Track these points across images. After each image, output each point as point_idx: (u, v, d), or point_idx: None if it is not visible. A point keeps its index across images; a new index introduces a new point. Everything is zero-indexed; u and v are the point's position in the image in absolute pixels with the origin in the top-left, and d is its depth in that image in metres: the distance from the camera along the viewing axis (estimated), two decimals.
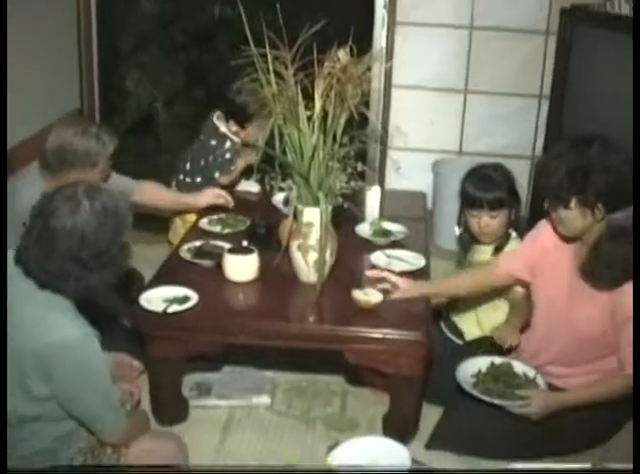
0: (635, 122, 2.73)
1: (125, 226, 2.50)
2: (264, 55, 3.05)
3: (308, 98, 3.09)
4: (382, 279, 3.26)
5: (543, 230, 3.13)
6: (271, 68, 3.05)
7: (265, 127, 3.39)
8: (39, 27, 5.03)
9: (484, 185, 3.48)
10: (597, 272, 2.83)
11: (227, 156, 4.46)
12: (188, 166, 4.57)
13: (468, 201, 3.53)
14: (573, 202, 2.78)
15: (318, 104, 3.07)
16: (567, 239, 2.98)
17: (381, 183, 5.52)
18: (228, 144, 4.46)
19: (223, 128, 4.45)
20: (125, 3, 6.56)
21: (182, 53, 6.93)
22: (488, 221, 3.49)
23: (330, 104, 3.06)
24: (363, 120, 3.21)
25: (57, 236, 2.37)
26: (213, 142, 4.48)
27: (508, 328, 3.35)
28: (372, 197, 4.09)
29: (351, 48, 3.06)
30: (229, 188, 4.43)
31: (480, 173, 3.54)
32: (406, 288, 3.23)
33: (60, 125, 3.48)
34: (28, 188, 3.27)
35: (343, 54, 3.03)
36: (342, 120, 3.11)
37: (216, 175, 4.48)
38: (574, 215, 2.81)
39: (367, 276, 3.32)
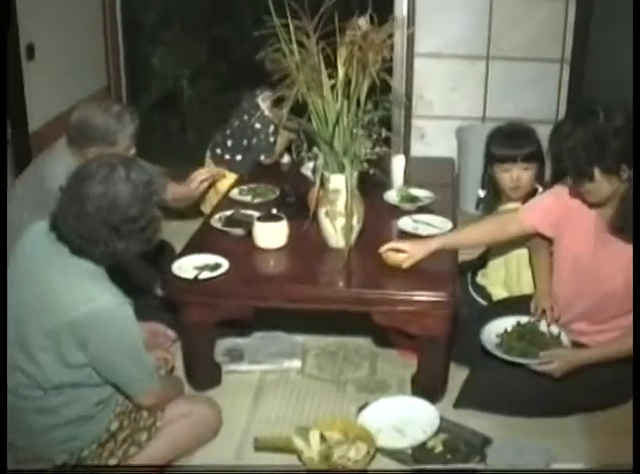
0: (635, 119, 2.77)
1: (157, 200, 2.55)
2: (286, 26, 3.10)
3: (331, 66, 3.14)
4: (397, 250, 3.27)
5: (559, 188, 3.16)
6: (293, 38, 3.10)
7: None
8: (66, 6, 5.10)
9: (515, 139, 3.54)
10: (628, 224, 2.87)
11: (271, 140, 4.53)
12: (229, 143, 4.66)
13: (498, 158, 3.55)
14: (597, 173, 2.81)
15: (341, 71, 3.11)
16: (594, 205, 3.01)
17: (406, 150, 5.56)
18: (272, 128, 4.53)
19: (267, 112, 4.53)
20: None
21: (205, 29, 6.99)
22: (520, 174, 3.51)
23: (352, 71, 3.10)
24: (387, 88, 3.25)
25: (89, 199, 2.43)
26: (258, 125, 4.55)
27: (539, 295, 3.34)
28: (397, 165, 4.14)
29: (371, 16, 3.10)
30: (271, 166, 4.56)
31: (507, 130, 3.59)
32: (414, 251, 3.22)
33: (86, 102, 3.56)
34: (57, 161, 3.35)
35: (363, 22, 3.07)
36: (364, 87, 3.15)
37: (262, 157, 4.55)
38: (600, 184, 2.84)
39: (381, 252, 3.30)
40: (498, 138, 3.58)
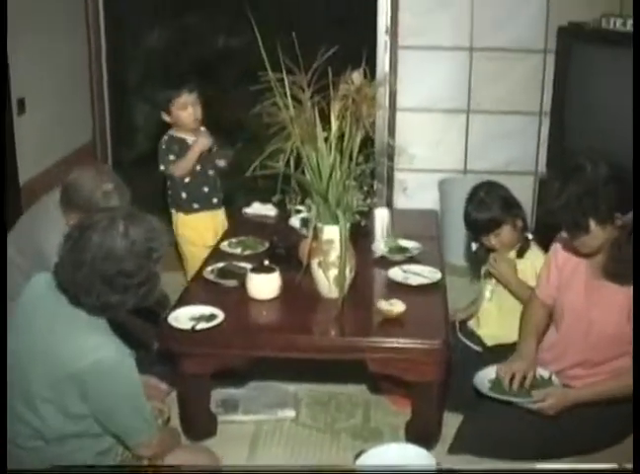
0: (635, 127, 2.87)
1: (157, 257, 2.56)
2: (280, 80, 3.19)
3: (324, 119, 3.23)
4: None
5: (554, 251, 3.30)
6: (288, 92, 3.19)
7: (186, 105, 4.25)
8: (55, 62, 5.18)
9: (476, 212, 3.65)
10: (620, 269, 2.95)
11: (163, 147, 4.45)
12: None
13: (471, 229, 3.74)
14: (592, 225, 2.91)
15: (334, 124, 3.20)
16: (587, 255, 3.10)
17: (389, 202, 5.64)
18: (165, 136, 4.47)
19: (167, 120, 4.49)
20: (133, 39, 6.70)
21: (188, 84, 7.07)
22: (495, 240, 3.63)
23: (346, 124, 3.19)
24: (371, 142, 3.34)
25: (87, 248, 2.45)
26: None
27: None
28: (380, 217, 4.22)
29: (364, 71, 3.20)
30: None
31: (472, 201, 3.69)
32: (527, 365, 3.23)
33: (86, 168, 3.61)
34: (51, 227, 3.35)
35: (357, 76, 3.16)
36: (357, 140, 3.24)
37: (161, 168, 4.45)
38: (595, 234, 2.94)
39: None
40: (466, 211, 3.71)
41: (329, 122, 3.22)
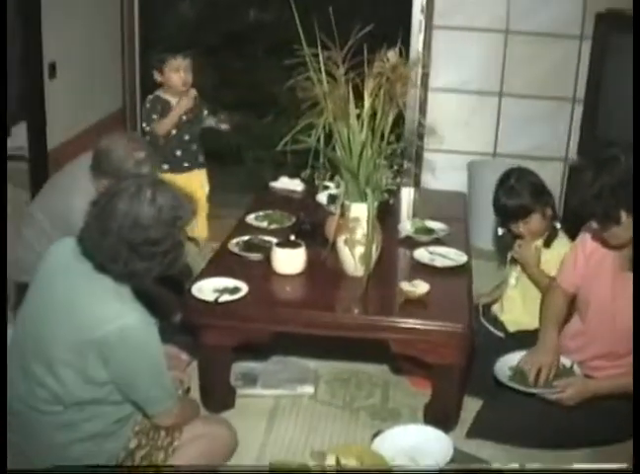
0: (635, 122, 2.86)
1: (181, 225, 2.57)
2: (315, 55, 3.17)
3: (358, 97, 3.21)
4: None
5: (582, 240, 3.26)
6: (322, 68, 3.17)
7: (179, 68, 4.47)
8: (88, 27, 5.18)
9: (506, 198, 3.61)
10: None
11: (147, 106, 4.64)
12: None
13: (500, 215, 3.71)
14: (624, 216, 2.89)
15: (367, 102, 3.19)
16: (615, 247, 3.09)
17: (417, 182, 5.62)
18: (151, 96, 4.67)
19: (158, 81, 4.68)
20: (165, 7, 6.70)
21: (216, 57, 7.10)
22: (523, 228, 3.61)
23: (379, 102, 3.18)
24: (403, 121, 3.33)
25: (113, 215, 2.46)
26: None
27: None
28: (407, 196, 4.21)
29: (400, 49, 3.18)
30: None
31: (502, 187, 3.65)
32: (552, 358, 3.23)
33: (119, 134, 3.65)
34: (82, 193, 3.33)
35: (392, 55, 3.14)
36: (390, 118, 3.22)
37: (143, 125, 4.64)
38: (626, 226, 2.92)
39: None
40: (495, 197, 3.67)
41: (362, 100, 3.21)
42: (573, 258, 3.34)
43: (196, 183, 4.67)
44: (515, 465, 2.83)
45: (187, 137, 4.71)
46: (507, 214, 3.64)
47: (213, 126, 4.83)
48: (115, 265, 2.50)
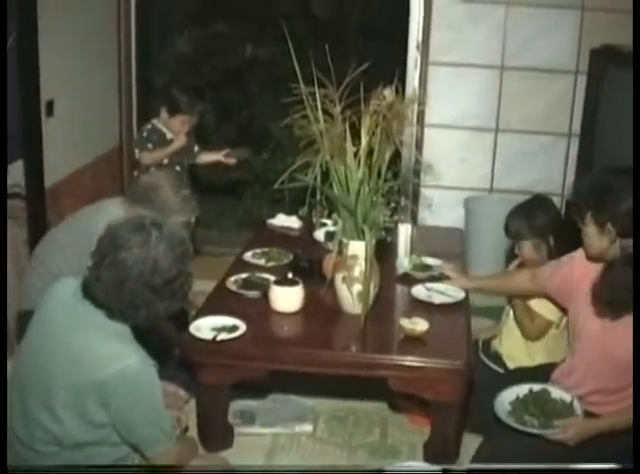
0: (635, 123, 2.92)
1: (191, 254, 2.61)
2: (311, 93, 3.22)
3: (355, 134, 3.26)
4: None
5: (579, 255, 3.26)
6: (319, 106, 3.22)
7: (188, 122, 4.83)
8: (86, 66, 5.23)
9: (510, 214, 3.72)
10: (611, 295, 2.96)
11: (144, 134, 4.93)
12: None
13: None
14: (587, 218, 2.97)
15: (364, 140, 3.23)
16: (592, 260, 3.12)
17: (414, 219, 5.65)
18: (149, 125, 4.97)
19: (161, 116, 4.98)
20: (162, 45, 6.77)
21: (212, 92, 7.16)
22: (517, 250, 3.67)
23: (375, 140, 3.22)
24: (399, 158, 3.37)
25: (131, 265, 2.47)
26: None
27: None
28: (405, 234, 4.23)
29: (396, 87, 3.22)
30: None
31: (519, 204, 3.73)
32: (457, 279, 3.73)
33: (164, 172, 4.07)
34: (109, 212, 3.48)
35: (389, 92, 3.19)
36: (386, 156, 3.26)
37: (136, 151, 4.92)
38: (590, 232, 2.99)
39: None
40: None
41: (359, 138, 3.25)
42: (558, 263, 3.36)
43: None
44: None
45: (177, 168, 4.94)
46: (505, 229, 3.70)
47: (222, 161, 5.17)
48: (137, 311, 2.52)
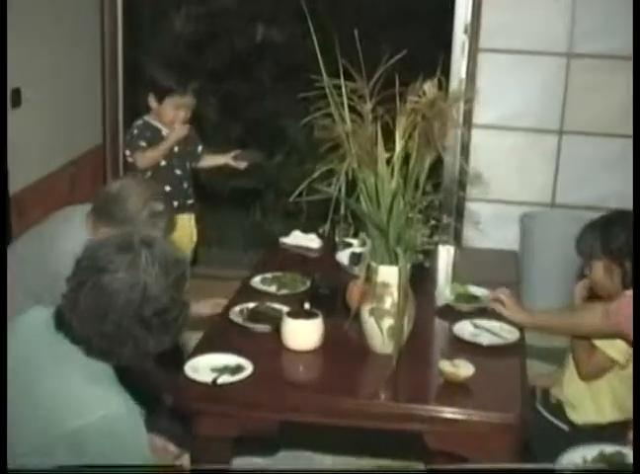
0: (635, 123, 2.98)
1: (186, 279, 2.62)
2: (336, 87, 3.25)
3: (388, 138, 3.29)
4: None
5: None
6: (345, 102, 3.25)
7: (182, 106, 4.74)
8: (58, 48, 5.29)
9: (584, 229, 3.72)
10: None
11: (134, 131, 4.94)
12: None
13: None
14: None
15: (399, 144, 3.26)
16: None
17: (458, 239, 5.66)
18: (139, 121, 4.99)
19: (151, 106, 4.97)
20: (154, 25, 6.82)
21: (216, 82, 7.20)
22: (587, 270, 3.69)
23: (413, 144, 3.25)
24: (441, 165, 3.40)
25: (116, 291, 2.47)
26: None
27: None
28: (447, 258, 4.26)
29: (439, 80, 3.25)
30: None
31: (597, 218, 3.76)
32: (511, 311, 3.68)
33: (133, 179, 3.94)
34: (75, 236, 3.46)
35: (429, 87, 3.21)
36: (425, 164, 3.29)
37: (127, 153, 4.93)
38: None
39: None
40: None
41: (393, 141, 3.28)
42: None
43: (183, 230, 4.81)
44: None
45: (178, 172, 4.96)
46: (576, 246, 3.71)
47: (230, 165, 5.13)
48: (121, 347, 2.53)
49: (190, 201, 5.04)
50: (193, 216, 5.07)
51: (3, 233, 3.11)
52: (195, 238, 5.09)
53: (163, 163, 4.91)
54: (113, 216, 3.54)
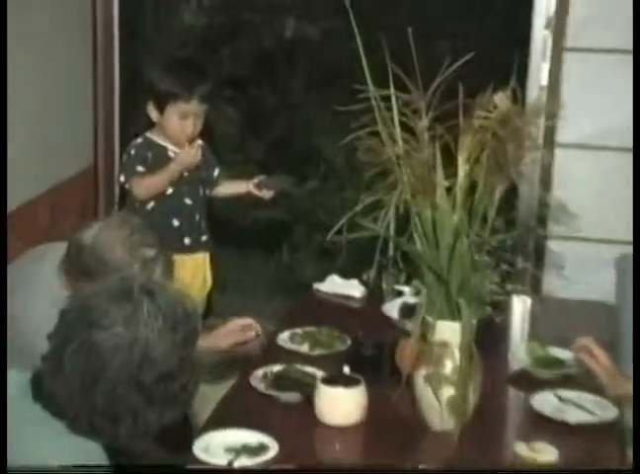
0: (635, 123, 2.95)
1: (197, 336, 2.63)
2: (385, 99, 3.27)
3: (449, 162, 3.30)
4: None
5: None
6: (396, 118, 3.27)
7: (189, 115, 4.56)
8: (38, 47, 5.33)
9: None
10: None
11: (132, 152, 4.80)
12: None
13: None
14: None
15: (463, 169, 3.27)
16: None
17: (537, 288, 5.63)
18: (139, 139, 4.86)
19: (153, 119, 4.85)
20: (159, 16, 6.87)
21: (235, 90, 7.24)
22: None
23: (480, 170, 3.26)
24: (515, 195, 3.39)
25: (111, 351, 2.46)
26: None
27: None
28: (522, 311, 4.24)
29: (513, 90, 3.26)
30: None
31: None
32: (606, 377, 3.56)
33: (108, 221, 3.72)
34: (40, 292, 3.50)
35: (502, 98, 3.21)
36: (496, 194, 3.29)
37: (121, 179, 4.82)
38: None
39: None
40: None
41: (455, 166, 3.29)
42: None
43: (195, 272, 4.86)
44: None
45: (188, 201, 4.87)
46: None
47: (253, 193, 4.97)
48: (115, 422, 2.52)
49: (204, 238, 4.96)
50: (207, 256, 5.01)
51: (3, 232, 3.14)
52: (209, 282, 5.03)
53: (170, 191, 4.77)
54: (89, 271, 3.47)
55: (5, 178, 4.13)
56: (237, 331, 4.11)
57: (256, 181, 4.99)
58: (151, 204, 4.76)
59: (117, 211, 5.17)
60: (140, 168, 4.73)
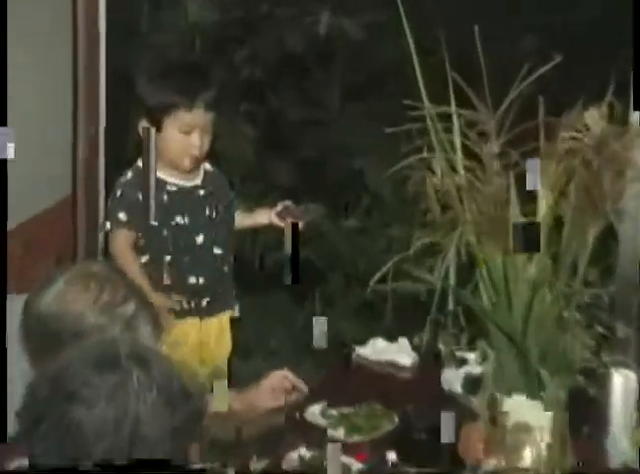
0: None
1: (203, 417, 2.61)
2: (443, 117, 3.25)
3: (525, 196, 3.27)
4: None
5: None
6: (458, 142, 3.24)
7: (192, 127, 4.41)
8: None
9: None
10: None
11: (117, 193, 4.72)
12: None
13: None
14: None
15: (545, 204, 3.24)
16: None
17: None
18: (129, 171, 4.76)
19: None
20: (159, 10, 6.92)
21: (253, 103, 7.27)
22: None
23: (567, 205, 3.22)
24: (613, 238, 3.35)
25: (93, 431, 2.45)
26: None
27: None
28: (625, 386, 4.21)
29: (610, 106, 3.22)
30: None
31: None
32: None
33: (74, 277, 3.69)
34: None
35: (594, 116, 3.19)
36: (588, 237, 3.26)
37: (107, 227, 4.72)
38: None
39: None
40: None
41: (534, 201, 3.27)
42: None
43: (213, 332, 4.87)
44: None
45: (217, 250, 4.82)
46: None
47: (276, 224, 4.91)
48: None
49: (225, 296, 4.94)
50: (225, 317, 4.96)
51: (3, 230, 3.16)
52: (229, 346, 5.01)
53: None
54: (60, 344, 3.40)
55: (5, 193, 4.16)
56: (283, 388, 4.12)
57: (279, 209, 4.94)
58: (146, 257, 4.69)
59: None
60: (122, 216, 4.63)
